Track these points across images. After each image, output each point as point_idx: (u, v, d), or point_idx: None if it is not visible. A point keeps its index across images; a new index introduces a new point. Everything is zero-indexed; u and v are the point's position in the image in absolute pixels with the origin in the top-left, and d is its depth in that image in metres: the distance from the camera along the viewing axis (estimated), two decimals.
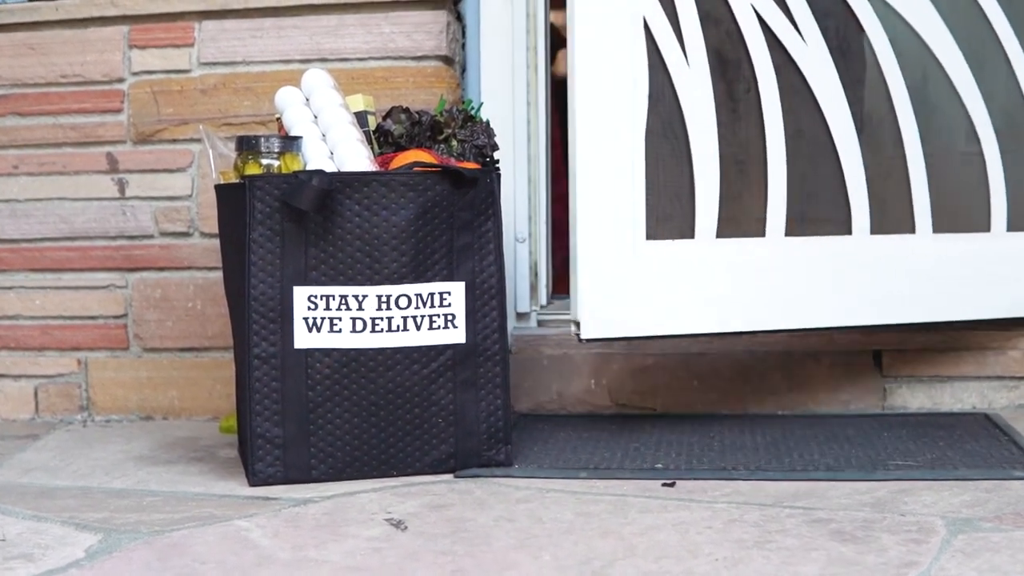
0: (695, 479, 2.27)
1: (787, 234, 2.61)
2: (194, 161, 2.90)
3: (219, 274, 2.89)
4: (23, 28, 2.94)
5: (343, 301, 2.27)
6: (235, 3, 2.86)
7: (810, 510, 2.05)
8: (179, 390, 2.93)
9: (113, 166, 2.93)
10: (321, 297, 2.26)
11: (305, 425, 2.28)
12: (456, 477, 2.33)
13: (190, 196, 2.91)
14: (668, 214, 2.55)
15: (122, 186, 2.93)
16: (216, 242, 2.87)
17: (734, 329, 2.61)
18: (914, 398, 2.81)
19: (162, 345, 2.94)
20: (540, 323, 2.95)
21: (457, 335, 2.32)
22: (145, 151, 2.92)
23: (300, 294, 2.26)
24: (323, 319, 2.27)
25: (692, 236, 2.57)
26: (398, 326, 2.29)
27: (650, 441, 2.56)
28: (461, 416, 2.34)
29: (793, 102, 2.59)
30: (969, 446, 2.45)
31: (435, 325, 2.31)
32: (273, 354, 2.27)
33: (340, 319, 2.27)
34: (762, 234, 2.61)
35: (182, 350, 2.93)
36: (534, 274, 2.96)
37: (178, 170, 2.91)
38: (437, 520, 2.04)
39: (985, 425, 2.63)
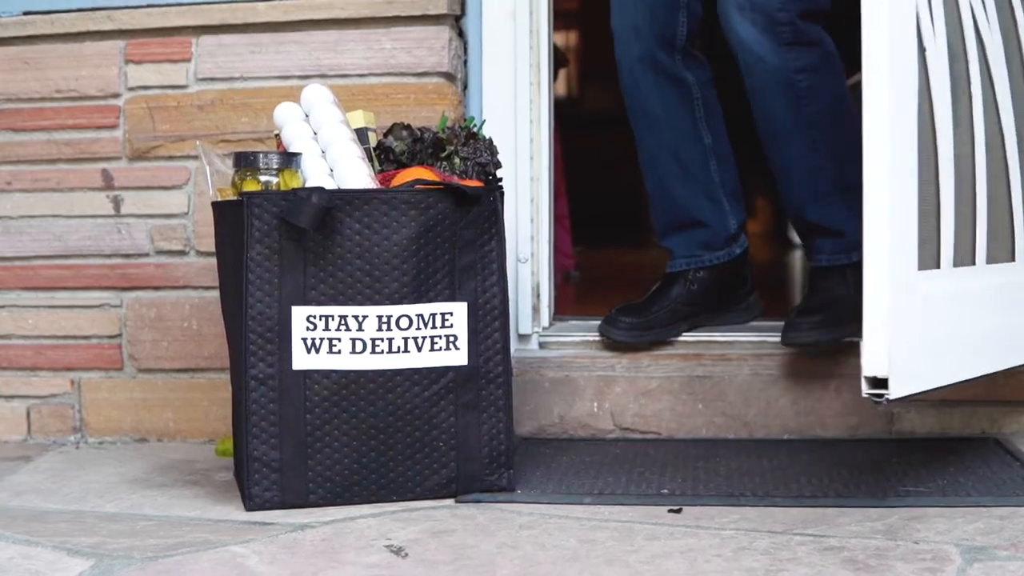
0: (702, 505, 2.22)
1: None
2: (190, 178, 2.85)
3: (216, 293, 2.83)
4: (17, 42, 2.89)
5: (343, 321, 2.22)
6: (233, 18, 2.81)
7: (821, 537, 2.00)
8: (174, 412, 2.87)
9: (108, 183, 2.88)
10: (320, 317, 2.21)
11: (303, 448, 2.23)
12: (458, 502, 2.27)
13: (186, 214, 2.86)
14: (924, 239, 2.23)
15: (117, 203, 2.88)
16: (213, 261, 2.82)
17: (1011, 365, 2.46)
18: (923, 423, 2.76)
19: (157, 366, 2.88)
20: (542, 345, 2.91)
21: (459, 357, 2.27)
22: (140, 168, 2.87)
23: (299, 314, 2.21)
24: (322, 340, 2.22)
25: (972, 263, 2.33)
26: (399, 347, 2.24)
27: (655, 466, 2.51)
28: (463, 439, 2.29)
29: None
30: (980, 471, 2.40)
31: (436, 346, 2.26)
32: (271, 375, 2.21)
33: (339, 340, 2.22)
34: (1011, 258, 2.45)
35: (178, 371, 2.88)
36: (536, 295, 2.91)
37: (174, 187, 2.86)
38: (438, 547, 1.99)
39: (995, 450, 2.59)
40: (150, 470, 2.61)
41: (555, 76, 4.55)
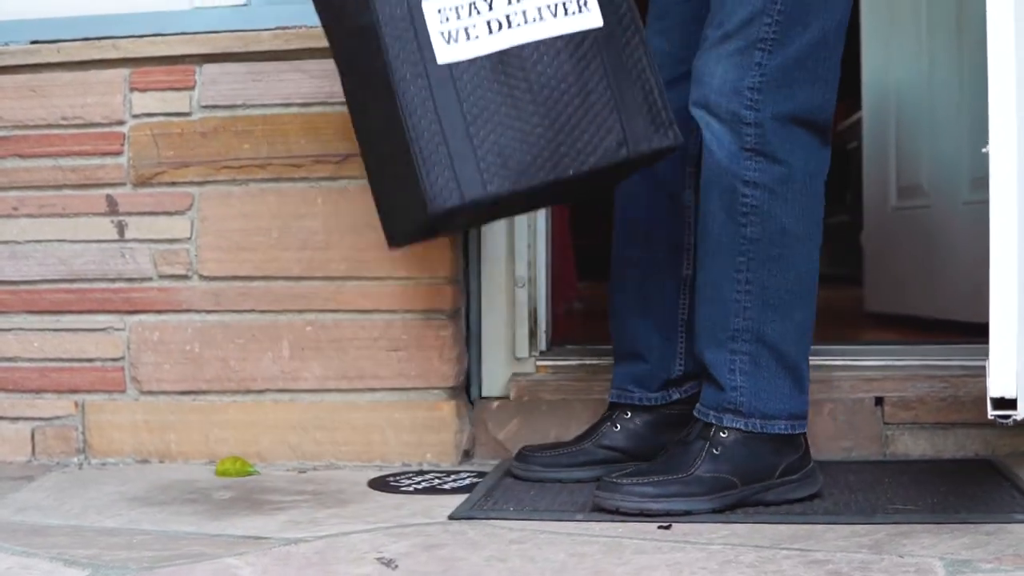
0: (691, 522, 2.24)
1: None
2: (193, 204, 2.90)
3: (218, 317, 2.89)
4: (24, 70, 2.94)
5: (472, 6, 2.23)
6: (236, 47, 2.86)
7: (807, 552, 2.02)
8: (176, 434, 2.91)
9: (113, 208, 2.93)
10: (451, 8, 2.22)
11: (467, 140, 2.21)
12: (450, 519, 2.30)
13: (189, 239, 2.91)
14: None
15: (121, 228, 2.93)
16: (215, 285, 2.88)
17: None
18: (916, 445, 2.78)
19: (159, 388, 2.92)
20: (539, 368, 2.94)
21: (593, 19, 2.27)
22: (144, 194, 2.92)
23: (429, 8, 2.22)
24: (458, 30, 2.22)
25: None
26: (533, 17, 2.24)
27: None
28: (620, 100, 2.27)
29: None
30: (971, 491, 2.42)
31: (569, 10, 2.26)
32: (419, 73, 2.22)
33: (475, 25, 2.23)
34: None
35: (179, 393, 2.91)
36: (533, 320, 2.94)
37: (177, 213, 2.91)
38: (428, 559, 2.02)
39: (988, 471, 2.61)
40: (150, 489, 2.65)
41: None
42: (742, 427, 2.33)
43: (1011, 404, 2.02)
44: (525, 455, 2.62)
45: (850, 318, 4.50)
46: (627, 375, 2.62)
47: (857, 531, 2.15)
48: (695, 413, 2.39)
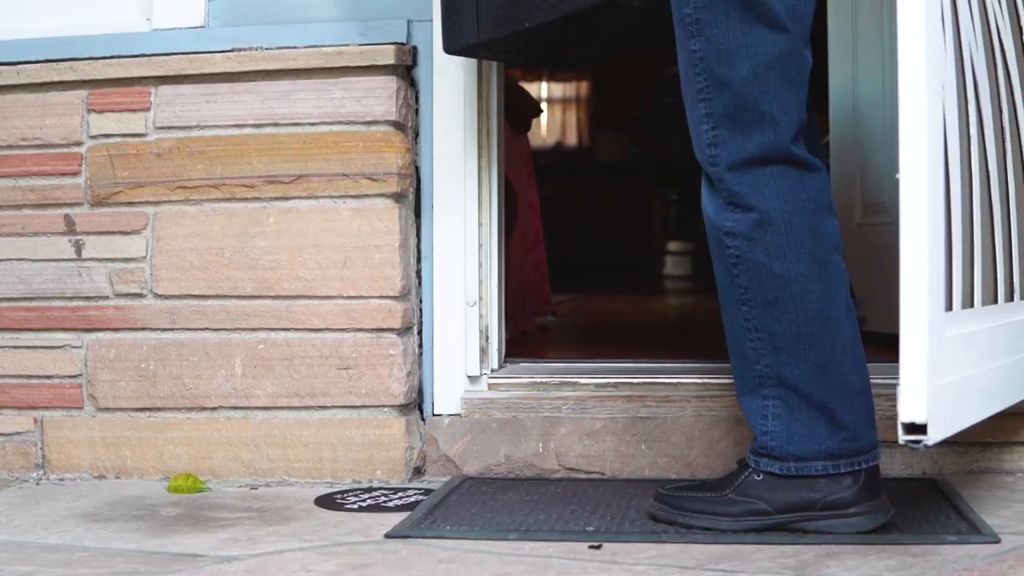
0: (623, 542, 2.27)
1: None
2: (149, 223, 2.93)
3: (172, 335, 2.92)
4: None
5: None
6: (191, 68, 2.90)
7: (731, 573, 2.05)
8: (131, 450, 2.94)
9: (71, 228, 2.97)
10: None
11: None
12: (386, 537, 2.33)
13: (145, 258, 2.94)
14: (949, 281, 2.21)
15: (79, 248, 2.97)
16: (169, 303, 2.92)
17: (1008, 405, 2.48)
18: None
19: (115, 405, 2.96)
20: (491, 387, 2.96)
21: None
22: (101, 213, 2.96)
23: None
24: None
25: (993, 301, 2.34)
26: None
27: (589, 504, 2.56)
28: None
29: None
30: (908, 511, 2.44)
31: None
32: None
33: None
34: (994, 300, 2.42)
35: (135, 410, 2.95)
36: (484, 338, 2.97)
37: (133, 232, 2.94)
38: None
39: (930, 490, 2.62)
40: (100, 505, 2.68)
41: (528, 125, 4.66)
42: (776, 471, 2.32)
43: (922, 429, 2.02)
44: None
45: None
46: None
47: (785, 551, 2.17)
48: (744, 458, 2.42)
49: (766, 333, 2.31)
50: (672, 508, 2.37)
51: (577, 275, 7.41)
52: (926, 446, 2.03)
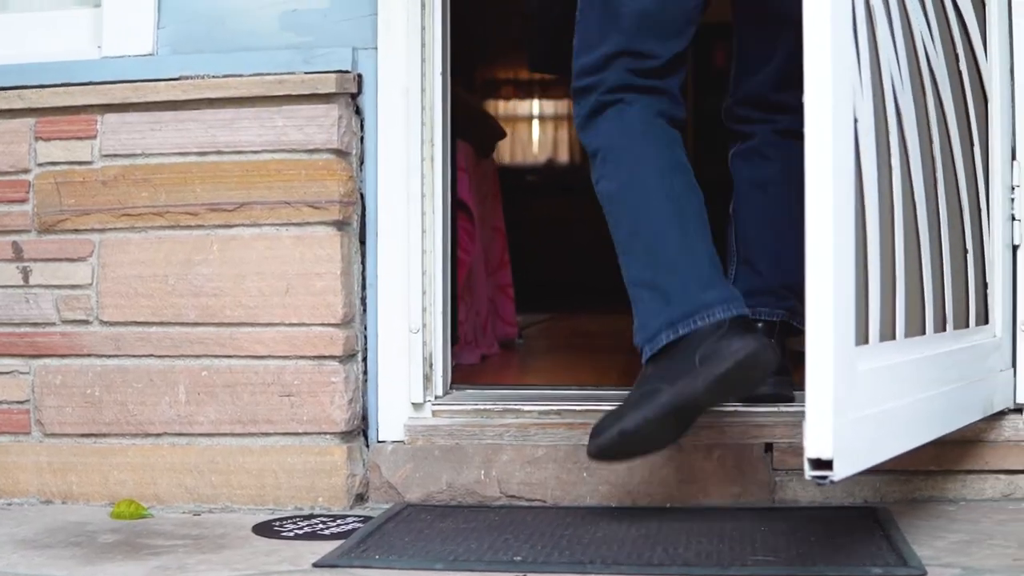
0: (547, 572, 2.28)
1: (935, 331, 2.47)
2: (95, 250, 2.95)
3: (117, 361, 2.94)
4: None
5: None
6: (136, 97, 2.92)
7: None
8: (77, 475, 2.95)
9: (18, 255, 2.98)
10: None
11: None
12: (314, 567, 2.34)
13: (91, 285, 2.96)
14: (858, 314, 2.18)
15: (26, 274, 2.98)
16: (115, 330, 2.93)
17: (944, 433, 2.51)
18: (805, 492, 2.80)
19: (62, 431, 2.97)
20: (435, 413, 2.97)
21: None
22: (48, 240, 2.97)
23: None
24: None
25: (906, 335, 2.33)
26: None
27: (523, 533, 2.56)
28: None
29: None
30: (840, 541, 2.45)
31: None
32: None
33: None
34: (921, 331, 2.42)
35: (81, 436, 2.96)
36: (428, 365, 2.98)
37: (79, 259, 2.96)
38: None
39: (866, 520, 2.62)
40: (42, 531, 2.69)
41: (492, 148, 4.67)
42: (645, 357, 2.60)
43: (827, 465, 2.01)
44: None
45: None
46: None
47: None
48: None
49: (619, 249, 2.62)
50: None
51: (563, 295, 7.41)
52: (832, 481, 2.01)
